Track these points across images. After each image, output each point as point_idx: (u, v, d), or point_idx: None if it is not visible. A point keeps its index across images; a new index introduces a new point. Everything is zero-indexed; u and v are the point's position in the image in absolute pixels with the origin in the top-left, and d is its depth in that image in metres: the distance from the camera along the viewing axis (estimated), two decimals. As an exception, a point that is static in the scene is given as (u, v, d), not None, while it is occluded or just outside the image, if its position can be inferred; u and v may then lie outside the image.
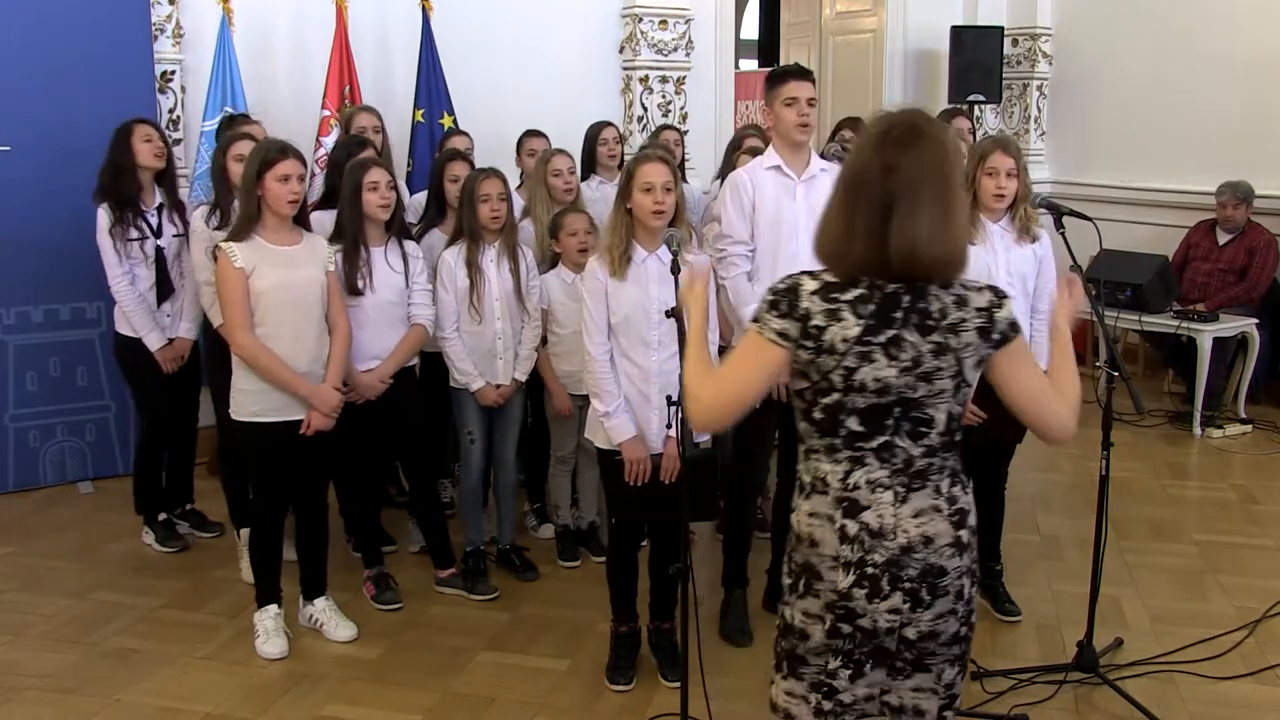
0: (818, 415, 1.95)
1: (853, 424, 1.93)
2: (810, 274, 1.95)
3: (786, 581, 2.06)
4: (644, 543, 3.58)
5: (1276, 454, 5.76)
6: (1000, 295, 1.96)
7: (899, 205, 1.85)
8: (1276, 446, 5.87)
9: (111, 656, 3.65)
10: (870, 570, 1.93)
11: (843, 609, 1.95)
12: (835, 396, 1.92)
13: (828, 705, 2.02)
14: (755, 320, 1.96)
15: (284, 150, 3.50)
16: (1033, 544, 4.55)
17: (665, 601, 3.47)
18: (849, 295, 1.89)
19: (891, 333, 1.88)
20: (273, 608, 3.70)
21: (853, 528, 1.94)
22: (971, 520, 2.00)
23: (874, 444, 1.93)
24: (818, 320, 1.89)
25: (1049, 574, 4.26)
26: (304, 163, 3.57)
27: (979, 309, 1.92)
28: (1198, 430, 6.03)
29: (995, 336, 1.93)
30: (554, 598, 4.11)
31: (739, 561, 3.84)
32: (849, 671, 1.99)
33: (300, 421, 3.57)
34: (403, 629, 3.85)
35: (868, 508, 1.94)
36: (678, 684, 2.90)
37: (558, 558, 4.42)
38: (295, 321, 3.54)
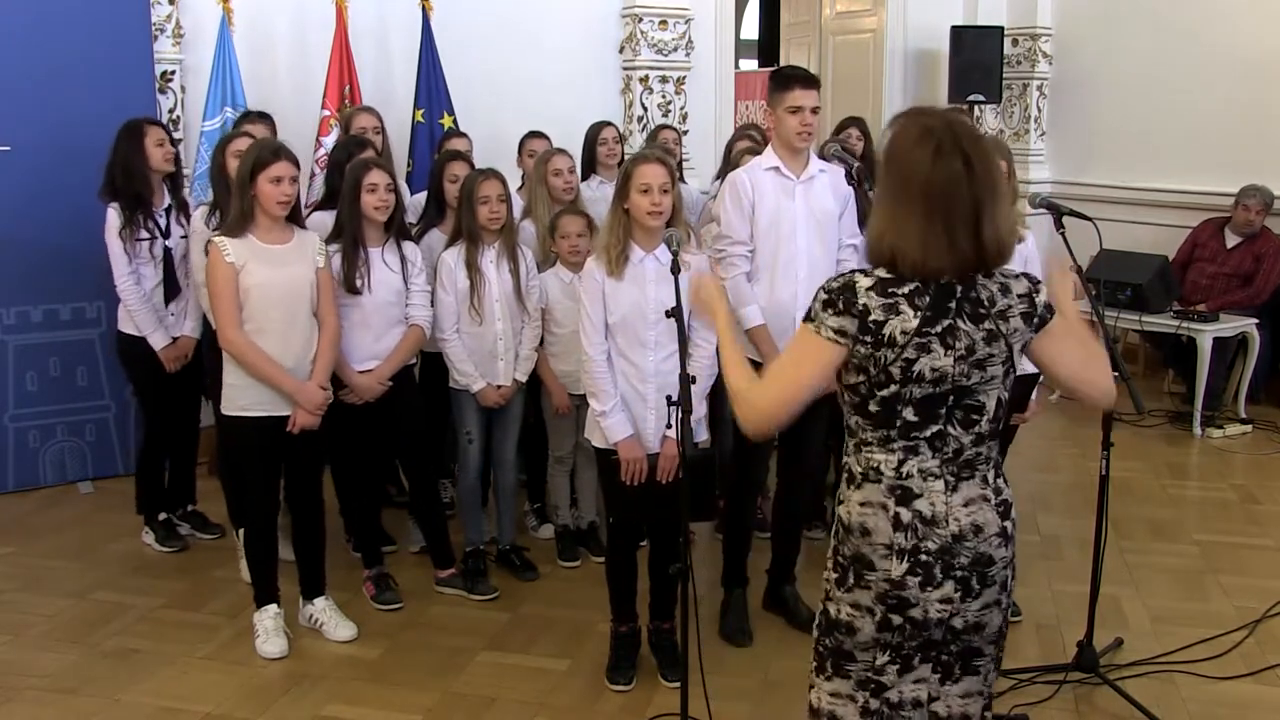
0: (874, 408, 1.99)
1: (908, 414, 1.97)
2: (863, 272, 1.99)
3: (833, 576, 2.08)
4: (643, 543, 3.58)
5: (1276, 454, 5.76)
6: (1036, 281, 2.03)
7: (986, 202, 1.92)
8: (1276, 446, 5.87)
9: (111, 656, 3.65)
10: (924, 558, 1.97)
11: (895, 599, 1.98)
12: (893, 389, 1.96)
13: (875, 704, 2.04)
14: (810, 320, 1.99)
15: (277, 151, 3.51)
16: (1033, 544, 4.55)
17: (665, 601, 3.46)
18: (905, 289, 1.94)
19: (947, 322, 1.94)
20: (272, 607, 3.70)
21: (906, 515, 1.98)
22: (1014, 513, 2.06)
23: (928, 433, 1.98)
24: (876, 315, 1.93)
25: (1049, 574, 4.26)
26: (297, 164, 3.57)
27: (1020, 295, 1.99)
28: (1198, 430, 6.03)
29: (1036, 320, 2.00)
30: (554, 598, 4.11)
31: (739, 561, 3.84)
32: (896, 666, 2.02)
33: (288, 417, 3.58)
34: (403, 629, 3.85)
35: (920, 495, 1.98)
36: (678, 684, 2.90)
37: (558, 558, 4.42)
38: (284, 318, 3.54)
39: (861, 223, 3.58)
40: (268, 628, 3.67)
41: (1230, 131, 6.83)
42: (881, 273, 1.97)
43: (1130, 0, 7.46)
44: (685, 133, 6.59)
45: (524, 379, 4.16)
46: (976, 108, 7.54)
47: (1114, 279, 6.09)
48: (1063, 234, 3.39)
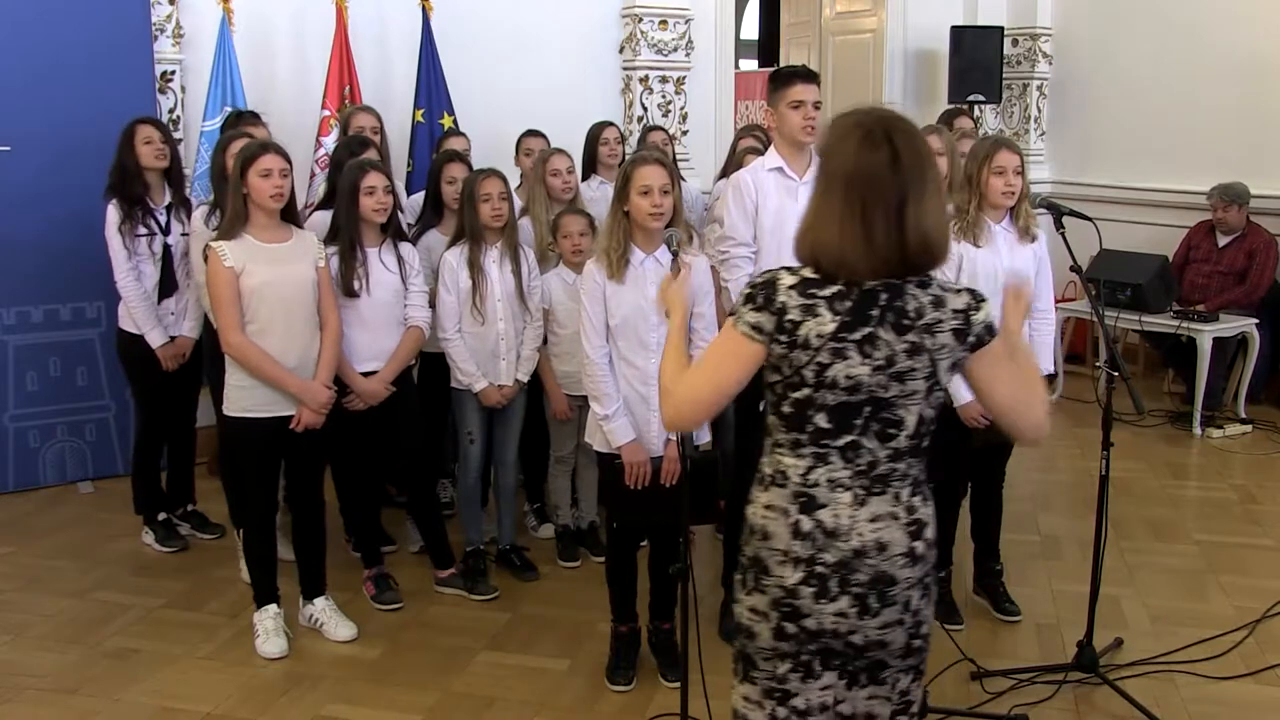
0: (786, 409, 1.95)
1: (821, 420, 1.92)
2: (789, 269, 1.94)
3: (738, 577, 2.05)
4: (644, 543, 3.58)
5: (1276, 454, 5.76)
6: (979, 299, 1.95)
7: (911, 196, 1.86)
8: (1276, 446, 5.87)
9: (111, 656, 3.65)
10: (820, 569, 1.91)
11: (789, 606, 1.93)
12: (806, 392, 1.91)
13: (783, 712, 2.00)
14: (731, 314, 1.96)
15: (265, 146, 3.53)
16: (1033, 544, 4.55)
17: (665, 601, 3.46)
18: (827, 291, 1.89)
19: (867, 330, 1.88)
20: (272, 607, 3.71)
21: (807, 524, 1.92)
22: (929, 533, 1.98)
23: (840, 442, 1.92)
24: (793, 315, 1.88)
25: (1049, 574, 4.26)
26: (287, 159, 3.57)
27: (956, 310, 1.91)
28: (1198, 430, 6.03)
29: (971, 339, 1.92)
30: (554, 598, 4.11)
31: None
32: (799, 674, 1.97)
33: (291, 417, 3.58)
34: (403, 629, 3.85)
35: (824, 505, 1.92)
36: (678, 684, 2.90)
37: (558, 558, 4.42)
38: (286, 318, 3.54)
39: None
40: (268, 628, 3.67)
41: (1230, 131, 6.83)
42: (808, 272, 1.92)
43: (1130, 0, 7.46)
44: (685, 132, 6.60)
45: (525, 379, 4.15)
46: (976, 108, 7.54)
47: (1114, 279, 6.10)
48: (1063, 234, 3.39)
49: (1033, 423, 2.00)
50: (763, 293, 1.92)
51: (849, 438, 1.92)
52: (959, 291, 1.94)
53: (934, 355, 1.90)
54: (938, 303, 1.91)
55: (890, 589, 1.93)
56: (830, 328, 1.87)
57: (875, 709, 2.02)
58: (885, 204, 1.86)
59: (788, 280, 1.91)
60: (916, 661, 2.02)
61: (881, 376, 1.89)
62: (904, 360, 1.89)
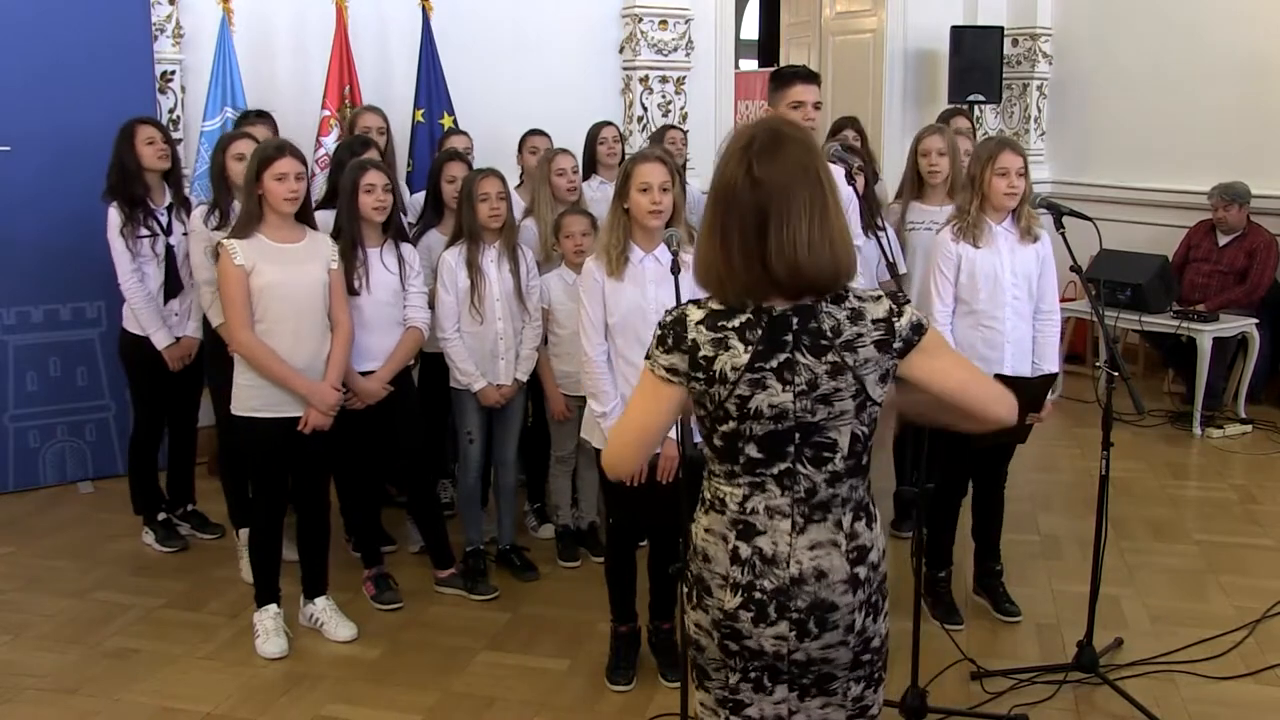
0: (717, 442, 1.90)
1: (752, 451, 1.86)
2: (696, 303, 1.88)
3: (684, 590, 2.03)
4: (643, 543, 3.58)
5: (1276, 454, 5.76)
6: (901, 302, 1.87)
7: (772, 218, 1.77)
8: (1276, 446, 5.87)
9: (111, 656, 3.65)
10: (758, 595, 1.88)
11: (728, 628, 1.91)
12: (732, 425, 1.85)
13: None
14: (647, 358, 1.90)
15: (281, 148, 3.51)
16: (1033, 544, 4.55)
17: (665, 601, 3.46)
18: (735, 322, 1.82)
19: (784, 356, 1.81)
20: (272, 607, 3.71)
21: (745, 550, 1.88)
22: (873, 556, 1.93)
23: (775, 470, 1.87)
24: (706, 350, 1.82)
25: (1049, 574, 4.26)
26: (303, 161, 3.57)
27: (876, 320, 1.83)
28: (1198, 430, 6.03)
29: (898, 346, 1.84)
30: (554, 598, 4.11)
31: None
32: (750, 686, 1.95)
33: (299, 418, 3.57)
34: (403, 629, 3.85)
35: (763, 533, 1.88)
36: (678, 684, 2.90)
37: (558, 558, 4.42)
38: (295, 318, 3.54)
39: (864, 224, 3.58)
40: (268, 627, 3.67)
41: (1230, 131, 6.83)
42: (714, 304, 1.85)
43: (1130, 0, 7.46)
44: (685, 133, 6.58)
45: (525, 379, 4.16)
46: (976, 108, 7.54)
47: (1114, 279, 6.10)
48: (1063, 234, 3.39)
49: (989, 404, 1.91)
50: (672, 332, 1.86)
51: (783, 465, 1.86)
52: (879, 298, 1.86)
53: (858, 372, 1.82)
54: (855, 316, 1.83)
55: (831, 614, 1.89)
56: (744, 359, 1.81)
57: (830, 716, 1.99)
58: (742, 224, 1.78)
59: (695, 315, 1.85)
60: (868, 672, 1.98)
61: (806, 401, 1.82)
62: (827, 382, 1.82)
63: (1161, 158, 7.24)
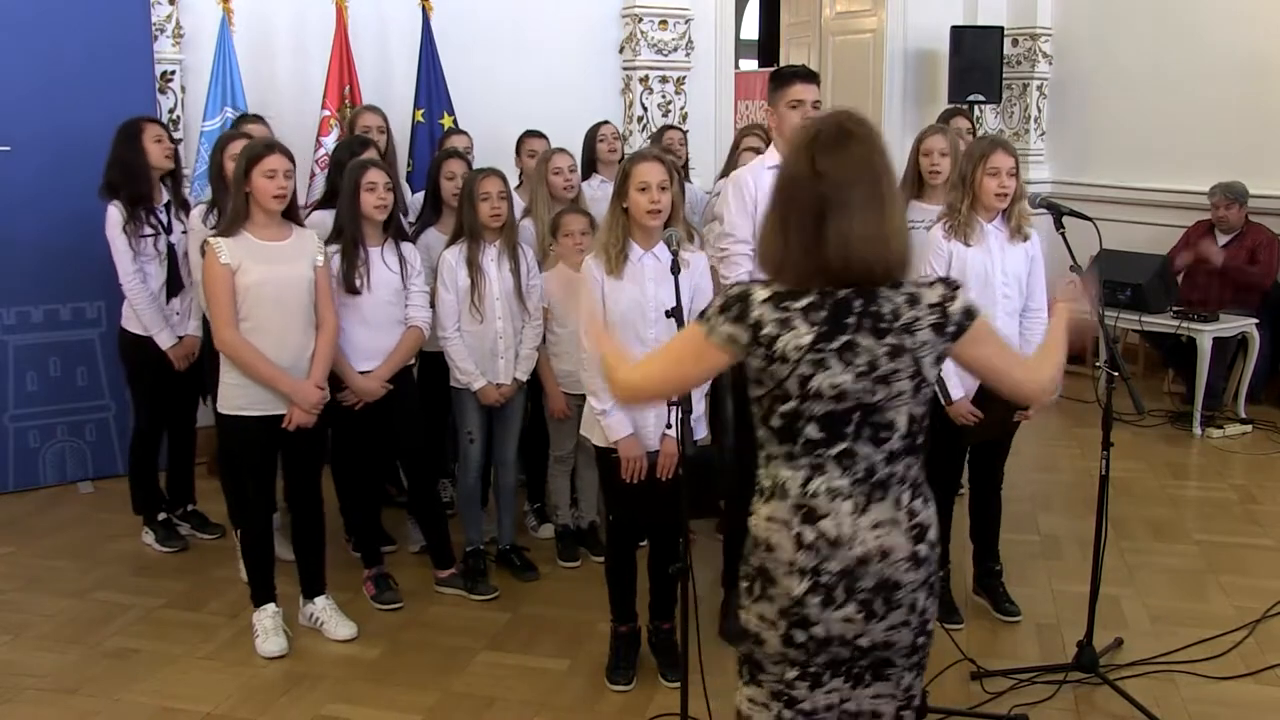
0: (776, 423, 1.94)
1: (811, 431, 1.91)
2: (762, 283, 1.94)
3: (744, 585, 2.05)
4: (643, 543, 3.58)
5: (1276, 454, 5.76)
6: (953, 287, 1.95)
7: (831, 209, 1.84)
8: (1276, 446, 5.87)
9: (111, 656, 3.65)
10: (825, 579, 1.92)
11: (797, 615, 1.93)
12: (792, 404, 1.90)
13: (789, 715, 2.00)
14: (704, 319, 1.95)
15: (269, 146, 3.53)
16: (1033, 544, 4.55)
17: (665, 601, 3.46)
18: (800, 303, 1.88)
19: (845, 338, 1.87)
20: (270, 606, 3.71)
21: (809, 535, 1.92)
22: (932, 534, 1.99)
23: (834, 451, 1.92)
24: (769, 329, 1.88)
25: (1049, 574, 4.26)
26: (291, 159, 3.57)
27: (931, 305, 1.91)
28: (1198, 430, 6.03)
29: (951, 329, 1.92)
30: (554, 598, 4.11)
31: (739, 561, 3.83)
32: (807, 683, 1.98)
33: (285, 416, 3.58)
34: (403, 629, 3.85)
35: (826, 516, 1.92)
36: (678, 684, 2.90)
37: (558, 558, 4.42)
38: (281, 316, 3.54)
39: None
40: (267, 627, 3.67)
41: (1230, 131, 6.82)
42: (779, 286, 1.91)
43: (1130, 0, 7.46)
44: (685, 133, 6.58)
45: (525, 378, 4.15)
46: (976, 108, 7.54)
47: (1114, 279, 6.09)
48: (1063, 234, 3.39)
49: (1031, 385, 2.07)
50: (737, 304, 1.91)
51: (842, 445, 1.91)
52: (932, 284, 1.94)
53: (915, 354, 1.89)
54: (913, 300, 1.91)
55: (896, 593, 1.93)
56: (807, 339, 1.87)
57: (881, 707, 2.03)
58: (802, 214, 1.86)
59: (761, 294, 1.91)
60: (920, 658, 2.03)
61: (866, 382, 1.88)
62: (886, 363, 1.88)
63: (1161, 158, 7.24)
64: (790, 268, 1.89)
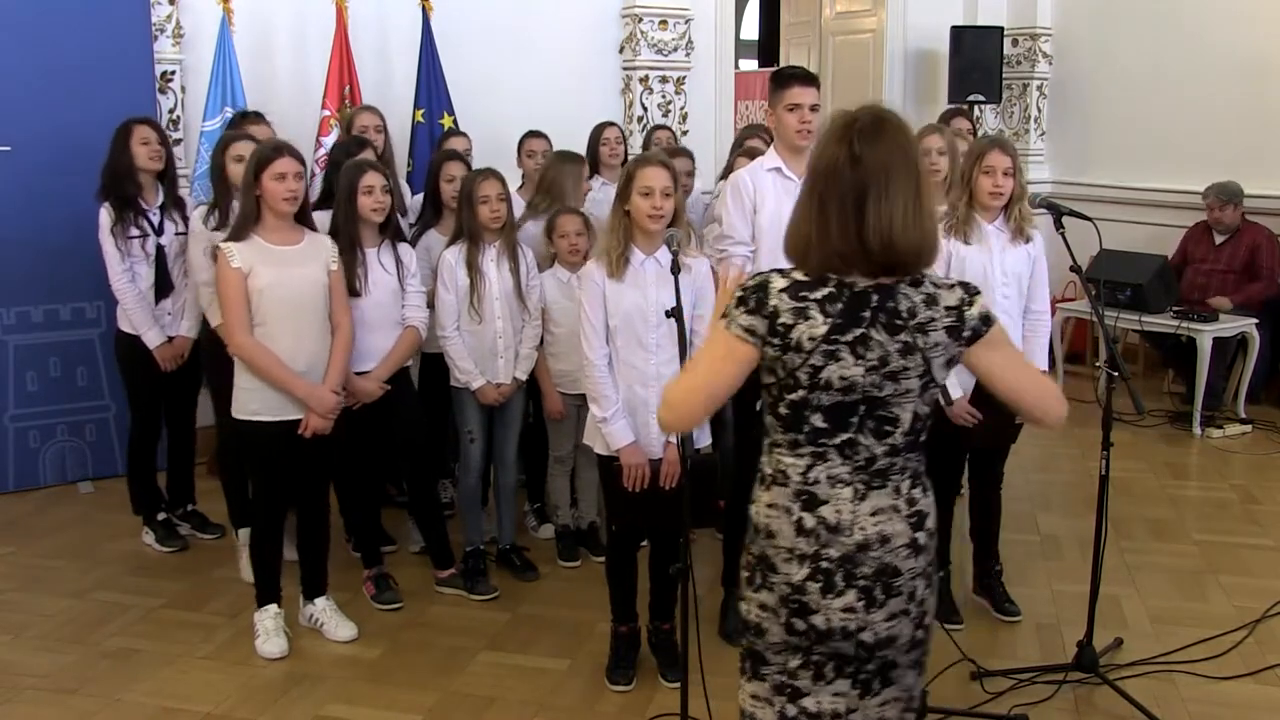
0: (783, 411, 1.96)
1: (817, 420, 1.93)
2: (780, 272, 1.95)
3: (744, 575, 2.06)
4: (644, 543, 3.58)
5: (1276, 454, 5.76)
6: (972, 292, 1.96)
7: (871, 194, 1.86)
8: (1276, 446, 5.87)
9: (111, 656, 3.65)
10: (825, 565, 1.93)
11: (797, 603, 1.95)
12: (800, 393, 1.92)
13: (793, 710, 2.00)
14: (724, 316, 1.96)
15: (279, 149, 3.51)
16: (1033, 544, 4.55)
17: (665, 602, 3.46)
18: (818, 294, 1.90)
19: (859, 331, 1.89)
20: (272, 607, 3.70)
21: (810, 521, 1.94)
22: (930, 523, 2.00)
23: (837, 440, 1.94)
24: (785, 318, 1.89)
25: (1049, 574, 4.26)
26: (302, 161, 3.57)
27: (949, 307, 1.92)
28: (1198, 430, 6.03)
29: (966, 334, 1.93)
30: (554, 598, 4.11)
31: (739, 561, 3.83)
32: (810, 673, 1.98)
33: (300, 421, 3.57)
34: (403, 629, 3.85)
35: (826, 502, 1.94)
36: (678, 684, 2.90)
37: (558, 558, 4.42)
38: (295, 320, 3.53)
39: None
40: (268, 628, 3.67)
41: (1230, 131, 6.83)
42: (798, 275, 1.93)
43: (1130, 0, 7.46)
44: (685, 133, 6.59)
45: (524, 378, 4.15)
46: (976, 108, 7.54)
47: (1114, 279, 6.10)
48: (1063, 234, 3.39)
49: (1044, 410, 2.00)
50: (755, 295, 1.92)
51: (845, 435, 1.93)
52: (952, 287, 1.95)
53: (927, 354, 1.90)
54: (930, 301, 1.91)
55: (895, 580, 1.95)
56: (822, 330, 1.88)
57: (887, 713, 2.03)
58: (841, 199, 1.87)
59: (779, 283, 1.92)
60: (920, 654, 2.04)
61: (875, 376, 1.90)
62: (897, 360, 1.89)
63: (1161, 158, 7.24)
64: (822, 252, 1.89)
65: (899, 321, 1.89)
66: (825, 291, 1.90)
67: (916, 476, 2.00)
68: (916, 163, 1.92)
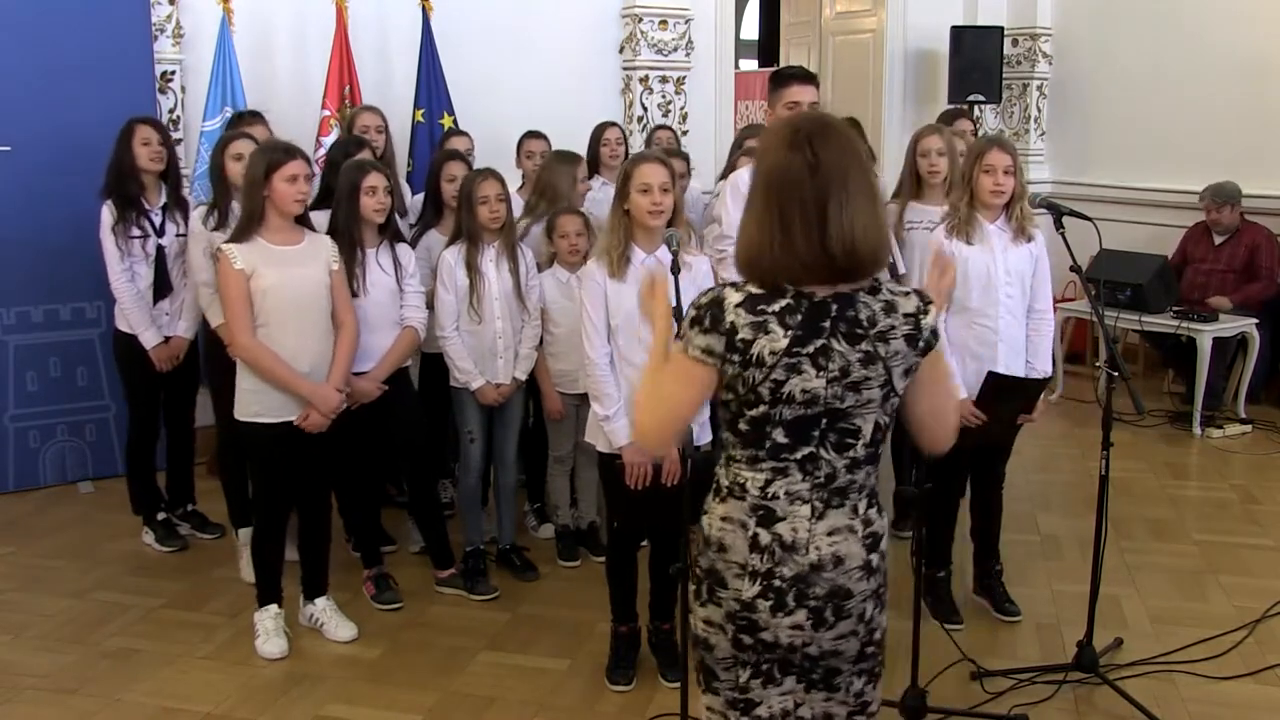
0: (743, 427, 1.91)
1: (778, 436, 1.89)
2: (734, 286, 1.89)
3: (692, 588, 2.02)
4: (644, 543, 3.58)
5: (1276, 454, 5.75)
6: (926, 300, 1.93)
7: (832, 200, 1.81)
8: (1276, 446, 5.87)
9: (111, 656, 3.65)
10: (777, 583, 1.90)
11: (744, 620, 1.92)
12: (762, 409, 1.87)
13: None
14: (679, 338, 1.91)
15: (289, 151, 3.50)
16: (1033, 544, 4.55)
17: (665, 601, 3.46)
18: (775, 306, 1.84)
19: (820, 342, 1.84)
20: (273, 607, 3.70)
21: (765, 537, 1.90)
22: (883, 545, 1.98)
23: (798, 455, 1.90)
24: (744, 333, 1.83)
25: (1049, 574, 4.26)
26: (310, 163, 3.57)
27: (907, 314, 1.89)
28: (1198, 430, 6.03)
29: (921, 345, 1.91)
30: (554, 598, 4.11)
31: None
32: (760, 680, 1.96)
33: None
34: (403, 629, 3.85)
35: (783, 519, 1.90)
36: (678, 684, 2.90)
37: (558, 558, 4.42)
38: (298, 321, 3.53)
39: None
40: (268, 628, 3.67)
41: (1230, 131, 6.83)
42: (753, 288, 1.86)
43: (1130, 0, 7.46)
44: (685, 133, 6.59)
45: (524, 377, 4.15)
46: (976, 108, 7.54)
47: (1114, 279, 6.10)
48: (1063, 234, 3.39)
49: (940, 436, 2.02)
50: (709, 313, 1.86)
51: (807, 450, 1.89)
52: (908, 294, 1.92)
53: (888, 363, 1.87)
54: (889, 308, 1.88)
55: (846, 603, 1.92)
56: (783, 344, 1.83)
57: (832, 709, 2.02)
58: (803, 206, 1.82)
59: (734, 298, 1.86)
60: (870, 665, 2.02)
61: (837, 388, 1.86)
62: (859, 370, 1.86)
63: (1161, 158, 7.24)
64: (785, 263, 1.83)
65: (859, 330, 1.86)
66: (783, 303, 1.84)
67: (872, 495, 1.97)
68: (866, 165, 1.89)
